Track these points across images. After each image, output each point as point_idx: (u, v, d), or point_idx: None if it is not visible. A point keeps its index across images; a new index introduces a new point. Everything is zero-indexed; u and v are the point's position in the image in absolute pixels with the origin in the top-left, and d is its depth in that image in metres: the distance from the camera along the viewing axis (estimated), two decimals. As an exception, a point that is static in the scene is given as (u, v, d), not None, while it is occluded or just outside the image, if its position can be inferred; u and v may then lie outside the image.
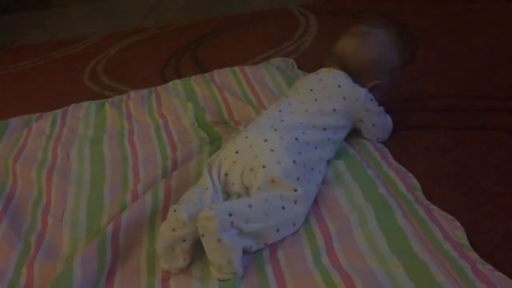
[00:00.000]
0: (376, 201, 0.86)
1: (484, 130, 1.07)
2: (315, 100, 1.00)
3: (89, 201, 0.99)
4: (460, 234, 0.79)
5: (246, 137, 0.94)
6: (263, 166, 0.86)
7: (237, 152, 0.91)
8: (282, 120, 0.96)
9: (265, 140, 0.91)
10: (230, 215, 0.77)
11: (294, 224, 0.84)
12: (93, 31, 2.10)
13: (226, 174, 0.90)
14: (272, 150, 0.89)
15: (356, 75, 1.05)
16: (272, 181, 0.85)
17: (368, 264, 0.75)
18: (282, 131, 0.93)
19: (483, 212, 0.85)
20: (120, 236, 0.86)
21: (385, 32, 1.09)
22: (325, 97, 1.00)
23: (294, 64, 1.47)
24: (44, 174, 1.09)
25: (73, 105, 1.41)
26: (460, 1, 1.76)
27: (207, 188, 0.87)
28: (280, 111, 0.99)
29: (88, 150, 1.17)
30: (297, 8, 1.96)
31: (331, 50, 1.09)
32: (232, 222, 0.77)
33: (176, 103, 1.31)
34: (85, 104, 1.40)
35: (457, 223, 0.81)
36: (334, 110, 0.99)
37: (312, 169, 0.91)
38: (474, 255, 0.75)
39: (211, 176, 0.90)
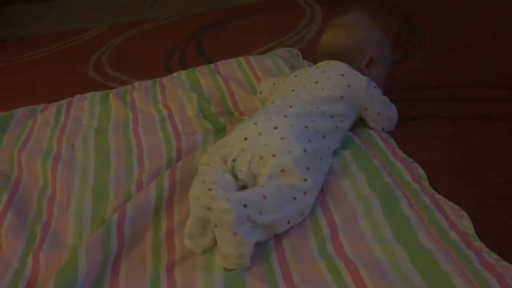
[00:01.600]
0: (381, 191, 0.86)
1: (489, 120, 1.06)
2: (322, 89, 1.00)
3: (94, 191, 0.99)
4: (466, 224, 0.79)
5: (255, 123, 0.93)
6: (273, 155, 0.86)
7: (246, 139, 0.90)
8: (291, 106, 0.96)
9: (275, 128, 0.90)
10: (245, 206, 0.77)
11: (302, 214, 0.84)
12: (96, 22, 2.10)
13: (234, 160, 0.89)
14: (282, 138, 0.88)
15: (350, 60, 1.07)
16: (282, 170, 0.84)
17: (374, 253, 0.75)
18: (291, 118, 0.93)
19: (488, 202, 0.85)
20: (125, 226, 0.86)
21: (358, 14, 1.12)
22: (331, 85, 1.01)
23: (299, 54, 1.46)
24: (49, 164, 1.09)
25: (77, 96, 1.40)
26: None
27: (225, 172, 0.87)
28: (286, 99, 0.99)
29: (93, 141, 1.17)
30: (302, -2, 1.94)
31: (319, 46, 1.13)
32: (248, 216, 0.76)
33: (180, 93, 1.30)
34: (90, 95, 1.40)
35: (464, 213, 0.81)
36: (342, 97, 1.00)
37: (321, 158, 0.91)
38: (480, 244, 0.75)
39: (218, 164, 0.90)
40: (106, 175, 1.04)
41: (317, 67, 1.08)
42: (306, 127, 0.93)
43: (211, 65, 1.43)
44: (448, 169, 0.94)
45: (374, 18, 1.13)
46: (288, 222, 0.82)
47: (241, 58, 1.42)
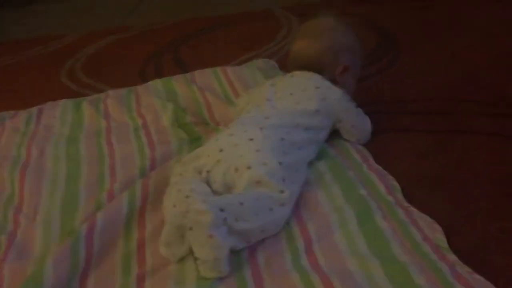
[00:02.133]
0: (356, 203, 0.86)
1: (464, 133, 1.07)
2: (297, 103, 1.00)
3: (63, 201, 0.96)
4: (439, 237, 0.79)
5: (231, 134, 0.92)
6: (249, 167, 0.85)
7: (221, 151, 0.89)
8: (267, 118, 0.96)
9: (251, 139, 0.89)
10: (222, 210, 0.76)
11: (277, 226, 0.83)
12: (72, 29, 2.07)
13: (208, 172, 0.88)
14: (258, 151, 0.87)
15: (323, 69, 1.06)
16: (258, 182, 0.84)
17: (348, 266, 0.74)
18: (267, 130, 0.92)
19: (462, 215, 0.86)
20: (94, 237, 0.83)
21: (328, 20, 1.11)
22: (306, 98, 1.00)
23: (276, 65, 1.46)
24: (17, 172, 1.06)
25: (49, 103, 1.37)
26: (441, 5, 1.78)
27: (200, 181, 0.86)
28: (262, 110, 0.98)
29: (64, 149, 1.14)
30: (280, 10, 1.95)
31: (291, 55, 1.11)
32: (224, 219, 0.76)
33: (156, 103, 1.28)
34: (62, 102, 1.36)
35: (437, 226, 0.81)
36: (317, 110, 0.99)
37: (297, 170, 0.91)
38: (453, 257, 0.75)
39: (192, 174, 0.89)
40: (77, 184, 1.01)
41: (292, 76, 1.08)
42: (282, 139, 0.92)
43: (188, 75, 1.42)
44: (422, 182, 0.94)
45: (343, 22, 1.12)
46: (262, 232, 0.81)
47: (218, 68, 1.42)
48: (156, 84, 1.39)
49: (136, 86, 1.40)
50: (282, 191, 0.84)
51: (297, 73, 1.08)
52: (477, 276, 0.72)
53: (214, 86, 1.34)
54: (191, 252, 0.79)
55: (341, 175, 0.94)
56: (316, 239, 0.80)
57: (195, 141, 1.11)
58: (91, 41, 1.89)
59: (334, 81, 1.06)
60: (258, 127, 0.93)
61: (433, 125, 1.12)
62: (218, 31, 1.85)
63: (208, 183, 0.88)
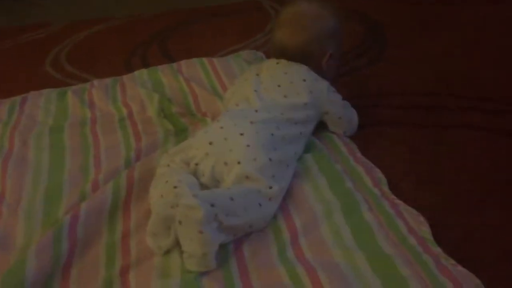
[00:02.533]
0: (342, 195, 0.86)
1: (451, 128, 1.08)
2: (285, 96, 0.99)
3: (46, 191, 0.95)
4: (425, 229, 0.80)
5: (221, 127, 0.91)
6: (239, 162, 0.84)
7: (210, 143, 0.88)
8: (256, 111, 0.95)
9: (241, 134, 0.88)
10: (213, 205, 0.75)
11: (264, 221, 0.82)
12: (57, 18, 2.03)
13: (196, 164, 0.87)
14: (248, 146, 0.86)
15: (310, 58, 1.05)
16: (247, 177, 0.83)
17: (334, 258, 0.74)
18: (257, 125, 0.91)
19: (447, 208, 0.86)
20: (78, 227, 0.82)
21: (310, 6, 1.07)
22: (294, 92, 1.00)
23: (264, 57, 1.46)
24: (0, 162, 1.04)
25: (32, 92, 1.35)
26: (434, 1, 1.78)
27: (187, 173, 0.85)
28: (250, 103, 0.97)
29: (47, 139, 1.12)
30: (268, 1, 1.94)
31: (275, 43, 1.07)
32: (215, 215, 0.74)
33: (141, 93, 1.27)
34: (46, 91, 1.34)
35: (422, 218, 0.82)
36: (305, 104, 0.99)
37: (287, 165, 0.90)
38: (438, 250, 0.76)
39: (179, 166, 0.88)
40: (60, 174, 0.99)
41: (277, 63, 1.06)
42: (272, 134, 0.91)
43: (174, 65, 1.41)
44: (408, 174, 0.95)
45: (325, 6, 1.08)
46: (250, 227, 0.80)
47: (204, 59, 1.40)
48: (142, 74, 1.38)
49: (122, 76, 1.39)
50: (270, 187, 0.83)
51: (283, 61, 1.05)
52: (460, 268, 0.72)
53: (200, 76, 1.33)
54: (176, 244, 0.78)
55: (328, 168, 0.93)
56: (302, 232, 0.80)
57: (181, 132, 1.10)
58: (77, 30, 1.86)
59: (318, 68, 1.05)
60: (248, 121, 0.92)
61: (420, 119, 1.12)
62: (205, 22, 1.83)
63: (195, 175, 0.87)
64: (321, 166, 0.94)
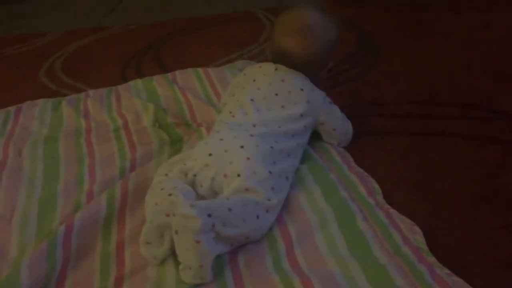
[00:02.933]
0: (337, 205, 0.86)
1: (441, 136, 1.09)
2: (283, 107, 0.98)
3: (40, 202, 0.94)
4: (419, 239, 0.80)
5: (221, 139, 0.90)
6: (238, 175, 0.84)
7: (210, 155, 0.87)
8: (254, 126, 0.94)
9: (242, 147, 0.88)
10: (210, 215, 0.74)
11: (261, 233, 0.82)
12: (52, 28, 2.04)
13: (195, 175, 0.87)
14: (248, 159, 0.86)
15: (310, 69, 1.04)
16: (247, 189, 0.82)
17: (328, 268, 0.74)
18: (257, 138, 0.91)
19: (440, 217, 0.87)
20: (72, 238, 0.82)
21: (317, 16, 1.05)
22: (291, 102, 0.99)
23: (258, 67, 1.46)
24: (-6, 173, 1.04)
25: (27, 102, 1.35)
26: (422, 10, 1.80)
27: (184, 183, 0.85)
28: (248, 115, 0.97)
29: (42, 149, 1.12)
30: (262, 12, 1.95)
31: (277, 50, 1.04)
32: (212, 225, 0.74)
33: (136, 103, 1.27)
34: (41, 102, 1.34)
35: (416, 228, 0.82)
36: (301, 115, 0.99)
37: (287, 178, 0.90)
38: (432, 259, 0.76)
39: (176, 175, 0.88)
40: (55, 185, 0.99)
41: (276, 69, 1.04)
42: (272, 147, 0.91)
43: (169, 75, 1.41)
44: (402, 183, 0.95)
45: (326, 15, 1.06)
46: (247, 238, 0.80)
47: (199, 69, 1.41)
48: (137, 84, 1.38)
49: (117, 86, 1.39)
50: (269, 199, 0.83)
51: (282, 68, 1.04)
52: (455, 278, 0.73)
53: (195, 86, 1.33)
54: (170, 254, 0.78)
55: (323, 177, 0.94)
56: (297, 242, 0.80)
57: (176, 142, 1.10)
58: (71, 40, 1.86)
59: (314, 78, 1.05)
60: (248, 134, 0.91)
61: (412, 127, 1.13)
62: (200, 32, 1.84)
63: (193, 186, 0.87)
64: (316, 176, 0.94)
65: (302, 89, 1.02)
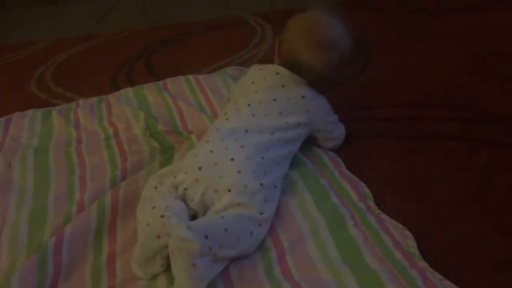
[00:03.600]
0: (328, 211, 0.86)
1: (432, 139, 1.09)
2: (280, 113, 0.96)
3: (31, 214, 0.94)
4: (410, 243, 0.80)
5: (211, 151, 0.88)
6: (229, 190, 0.82)
7: (200, 169, 0.86)
8: (247, 131, 0.92)
9: (232, 159, 0.86)
10: (207, 237, 0.72)
11: (254, 248, 0.81)
12: (42, 37, 2.03)
13: (185, 189, 0.85)
14: (239, 172, 0.85)
15: (321, 80, 1.02)
16: (239, 204, 0.81)
17: (320, 274, 0.74)
18: (248, 149, 0.89)
19: (432, 220, 0.87)
20: (63, 250, 0.81)
21: (336, 26, 1.00)
22: (289, 110, 0.97)
23: (249, 73, 1.46)
24: (-17, 185, 1.03)
25: (17, 113, 1.34)
26: (414, 12, 1.81)
27: (176, 198, 0.84)
28: (242, 118, 0.95)
29: (32, 160, 1.11)
30: (253, 17, 1.96)
31: (292, 57, 0.99)
32: (210, 248, 0.72)
33: (127, 111, 1.27)
34: (30, 112, 1.34)
35: (408, 233, 0.82)
36: (299, 124, 0.97)
37: (276, 186, 0.90)
38: (424, 264, 0.76)
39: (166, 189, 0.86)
40: (45, 196, 0.99)
41: (277, 73, 1.01)
42: (262, 158, 0.89)
43: (160, 83, 1.41)
44: (393, 187, 0.95)
45: (343, 23, 1.02)
46: (240, 254, 0.79)
47: (190, 76, 1.41)
48: (128, 92, 1.38)
49: (107, 95, 1.38)
50: (261, 213, 0.82)
51: (284, 72, 1.01)
52: (447, 282, 0.73)
53: (186, 94, 1.33)
54: (163, 268, 0.78)
55: (314, 183, 0.94)
56: (289, 249, 0.80)
57: (167, 150, 1.09)
58: (61, 49, 1.86)
59: (316, 83, 1.02)
60: (238, 145, 0.89)
61: (403, 130, 1.13)
62: (190, 38, 1.84)
63: (184, 199, 0.86)
64: (306, 182, 0.94)
65: (303, 97, 0.99)
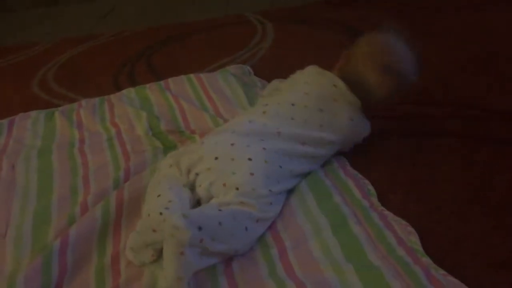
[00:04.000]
0: (330, 211, 0.86)
1: (435, 136, 1.09)
2: (320, 126, 0.94)
3: (35, 215, 0.94)
4: (413, 240, 0.80)
5: (232, 144, 0.88)
6: (237, 188, 0.82)
7: (216, 159, 0.86)
8: (279, 134, 0.90)
9: (250, 159, 0.85)
10: (200, 229, 0.73)
11: (249, 246, 0.81)
12: (43, 38, 2.03)
13: (197, 174, 0.86)
14: (252, 174, 0.84)
15: (374, 106, 1.01)
16: (242, 203, 0.81)
17: (323, 273, 0.74)
18: (269, 154, 0.87)
19: (435, 218, 0.87)
20: (67, 252, 0.82)
21: (408, 50, 1.01)
22: (331, 127, 0.95)
23: (251, 71, 1.46)
24: (-13, 187, 1.03)
25: (20, 114, 1.34)
26: (414, 10, 1.80)
27: (184, 185, 0.85)
28: (279, 117, 0.93)
29: (35, 161, 1.11)
30: (254, 15, 1.95)
31: (357, 76, 0.98)
32: (201, 240, 0.73)
33: (129, 111, 1.27)
34: (33, 113, 1.34)
35: (411, 229, 0.82)
36: (332, 142, 0.96)
37: (285, 192, 0.90)
38: (427, 260, 0.76)
39: (180, 171, 0.87)
40: (49, 197, 0.99)
41: (334, 85, 0.98)
42: (280, 167, 0.88)
43: (162, 82, 1.41)
44: (396, 185, 0.95)
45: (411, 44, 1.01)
46: (236, 251, 0.80)
47: (192, 76, 1.41)
48: (130, 92, 1.38)
49: (110, 95, 1.39)
50: (263, 212, 0.82)
51: (342, 88, 0.98)
52: (451, 278, 0.73)
53: (188, 93, 1.33)
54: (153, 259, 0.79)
55: (317, 183, 0.93)
56: (291, 247, 0.80)
57: (170, 150, 1.09)
58: (63, 49, 1.86)
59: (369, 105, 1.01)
60: (261, 146, 0.88)
61: (406, 129, 1.13)
62: (192, 37, 1.84)
63: (193, 184, 0.87)
64: (310, 182, 0.94)
65: (351, 119, 0.97)
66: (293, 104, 0.94)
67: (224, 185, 0.84)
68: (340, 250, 0.78)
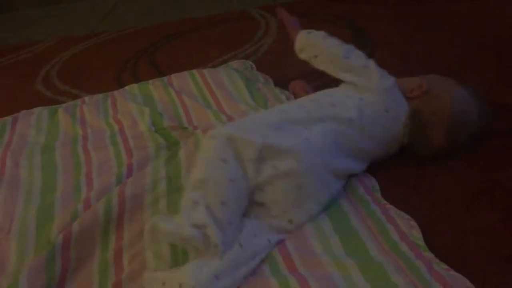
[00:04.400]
0: (331, 207, 0.86)
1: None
2: (380, 142, 0.94)
3: (38, 212, 0.95)
4: (416, 234, 0.80)
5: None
6: (290, 221, 0.83)
7: (293, 206, 0.83)
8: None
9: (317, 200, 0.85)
10: (217, 278, 0.72)
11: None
12: (46, 35, 2.04)
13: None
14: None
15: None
16: (289, 220, 0.82)
17: (325, 268, 0.74)
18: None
19: (438, 212, 0.86)
20: (71, 248, 0.82)
21: (477, 111, 0.97)
22: (378, 148, 0.95)
23: (253, 66, 1.46)
24: (-9, 184, 1.04)
25: (24, 111, 1.35)
26: (415, 3, 1.79)
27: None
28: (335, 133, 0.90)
29: (39, 158, 1.12)
30: (257, 10, 1.95)
31: (422, 126, 0.96)
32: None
33: (132, 108, 1.27)
34: (37, 110, 1.35)
35: (413, 223, 0.82)
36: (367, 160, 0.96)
37: None
38: (429, 255, 0.76)
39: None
40: (52, 194, 0.99)
41: (398, 110, 0.96)
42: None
43: (165, 78, 1.41)
44: (400, 181, 0.94)
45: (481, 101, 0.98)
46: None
47: (195, 71, 1.41)
48: (133, 89, 1.38)
49: (113, 92, 1.39)
50: (290, 221, 0.82)
51: (403, 112, 0.97)
52: (453, 273, 0.72)
53: (191, 89, 1.33)
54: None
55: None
56: (291, 245, 0.80)
57: (173, 146, 1.10)
58: (66, 47, 1.87)
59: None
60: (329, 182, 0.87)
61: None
62: (194, 33, 1.84)
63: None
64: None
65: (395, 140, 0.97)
66: (353, 120, 0.92)
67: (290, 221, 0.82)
68: (342, 246, 0.78)
